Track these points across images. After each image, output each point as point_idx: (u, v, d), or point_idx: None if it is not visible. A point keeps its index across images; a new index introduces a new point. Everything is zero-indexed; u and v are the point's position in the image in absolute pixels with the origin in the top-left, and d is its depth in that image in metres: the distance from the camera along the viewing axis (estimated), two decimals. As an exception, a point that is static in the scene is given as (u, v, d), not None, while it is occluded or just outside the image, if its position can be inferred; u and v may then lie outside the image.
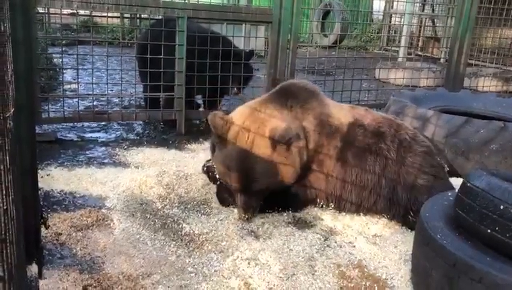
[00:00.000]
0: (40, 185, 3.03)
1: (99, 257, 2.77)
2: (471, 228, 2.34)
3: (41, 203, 3.27)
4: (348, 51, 9.34)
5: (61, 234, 2.97)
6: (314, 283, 2.66)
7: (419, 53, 11.53)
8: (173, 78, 5.25)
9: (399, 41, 12.20)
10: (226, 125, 3.26)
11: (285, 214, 3.50)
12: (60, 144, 4.79)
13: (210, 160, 3.91)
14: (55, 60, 6.85)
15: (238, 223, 3.31)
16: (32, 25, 4.36)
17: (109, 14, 6.59)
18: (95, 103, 6.06)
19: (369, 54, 12.16)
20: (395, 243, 3.19)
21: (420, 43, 12.58)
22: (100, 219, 3.21)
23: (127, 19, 10.60)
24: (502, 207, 2.17)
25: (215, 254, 2.90)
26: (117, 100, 6.41)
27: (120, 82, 5.49)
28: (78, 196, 3.57)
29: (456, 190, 2.60)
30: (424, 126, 4.40)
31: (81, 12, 6.35)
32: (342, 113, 3.62)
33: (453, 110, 5.09)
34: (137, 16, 8.21)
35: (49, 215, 3.14)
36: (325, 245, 3.11)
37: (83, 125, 5.43)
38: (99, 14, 8.73)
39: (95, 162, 4.34)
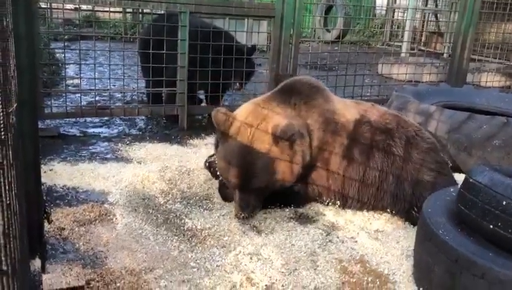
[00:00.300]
0: (43, 180, 3.03)
1: (102, 251, 2.78)
2: (474, 224, 2.33)
3: (44, 198, 3.28)
4: (351, 46, 9.31)
5: (64, 228, 2.98)
6: (316, 278, 2.66)
7: (422, 48, 11.48)
8: (175, 73, 5.25)
9: (402, 36, 12.16)
10: (229, 121, 3.26)
11: (287, 209, 3.50)
12: (63, 139, 4.80)
13: (212, 155, 3.92)
14: (57, 55, 6.84)
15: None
16: (34, 20, 4.37)
17: (111, 9, 6.58)
18: (97, 98, 6.04)
19: (372, 49, 12.10)
20: (397, 238, 3.19)
21: (423, 38, 12.52)
22: (103, 214, 3.22)
23: (129, 14, 10.60)
24: (504, 203, 2.17)
25: (217, 248, 2.90)
26: (119, 95, 6.41)
27: (122, 77, 5.49)
28: (81, 190, 3.59)
29: (459, 186, 2.60)
30: (427, 122, 4.39)
31: (84, 7, 6.35)
32: (347, 110, 3.60)
33: (456, 106, 5.07)
34: (140, 10, 8.20)
35: (52, 210, 3.15)
36: (327, 240, 3.11)
37: (85, 121, 5.44)
38: (101, 9, 8.73)
39: (97, 157, 4.35)
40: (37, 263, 2.46)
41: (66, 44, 5.31)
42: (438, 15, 12.27)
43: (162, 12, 5.76)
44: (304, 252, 2.92)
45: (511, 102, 5.27)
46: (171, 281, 2.54)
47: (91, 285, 2.44)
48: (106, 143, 4.78)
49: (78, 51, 5.42)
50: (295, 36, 5.68)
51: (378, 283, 2.67)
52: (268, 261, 2.77)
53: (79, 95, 5.24)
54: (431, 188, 3.32)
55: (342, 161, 3.46)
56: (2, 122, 1.28)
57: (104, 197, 3.50)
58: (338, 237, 3.17)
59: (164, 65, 5.18)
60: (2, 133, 1.27)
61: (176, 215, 3.29)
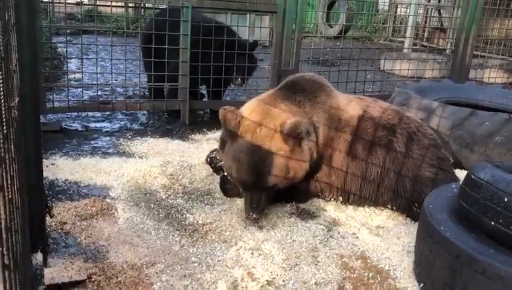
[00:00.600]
0: (44, 174, 3.03)
1: (103, 246, 2.79)
2: (475, 220, 2.33)
3: (46, 192, 3.28)
4: (353, 42, 9.28)
5: (66, 223, 2.99)
6: (317, 274, 2.67)
7: (425, 44, 11.45)
8: (177, 68, 5.24)
9: (404, 32, 12.12)
10: (237, 120, 3.20)
11: (288, 205, 3.50)
12: (65, 134, 4.81)
13: (214, 151, 3.91)
14: (59, 49, 6.85)
15: (242, 213, 3.29)
16: (36, 14, 4.36)
17: (113, 4, 6.57)
18: (99, 93, 6.07)
19: (374, 45, 12.08)
20: (398, 234, 3.19)
21: (426, 34, 12.48)
22: (104, 209, 3.22)
23: (132, 9, 10.57)
24: (506, 199, 2.16)
25: (218, 243, 2.91)
26: (121, 90, 6.41)
27: (124, 72, 5.49)
28: (83, 185, 3.59)
29: (460, 182, 2.59)
30: (429, 118, 4.38)
31: (86, 1, 6.34)
32: (351, 106, 3.59)
33: (458, 102, 5.06)
34: (142, 5, 8.18)
35: (53, 204, 3.16)
36: (328, 236, 3.11)
37: (87, 115, 5.44)
38: (103, 4, 8.71)
39: (99, 152, 4.35)
40: (38, 257, 2.47)
41: (68, 38, 5.30)
42: (441, 10, 12.22)
43: (164, 6, 5.75)
44: (305, 247, 2.92)
45: (513, 98, 5.25)
46: (172, 276, 2.55)
47: (92, 279, 2.45)
48: (108, 138, 4.78)
49: (80, 46, 5.42)
50: (297, 31, 5.66)
51: (379, 278, 2.68)
52: (269, 257, 2.77)
53: (81, 89, 5.25)
54: (432, 184, 3.31)
55: (346, 158, 3.46)
56: (4, 116, 1.29)
57: (105, 191, 3.51)
58: (339, 233, 3.17)
59: (166, 60, 5.17)
60: (4, 127, 1.27)
61: (178, 210, 3.30)
